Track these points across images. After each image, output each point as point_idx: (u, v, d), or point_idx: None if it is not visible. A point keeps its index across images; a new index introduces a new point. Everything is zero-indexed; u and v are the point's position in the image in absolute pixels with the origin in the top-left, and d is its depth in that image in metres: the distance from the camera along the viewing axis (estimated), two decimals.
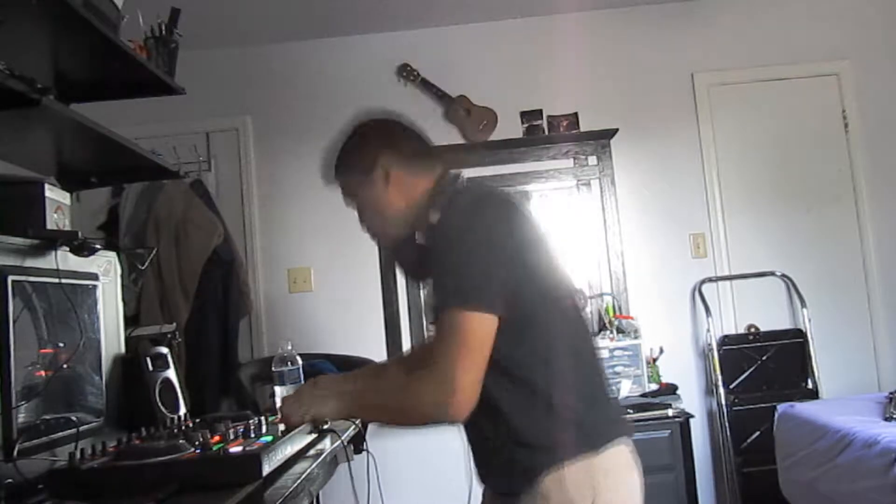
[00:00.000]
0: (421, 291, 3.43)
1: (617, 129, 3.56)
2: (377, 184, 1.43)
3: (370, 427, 2.05)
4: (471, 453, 1.40)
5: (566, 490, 1.25)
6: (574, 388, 1.29)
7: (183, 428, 1.51)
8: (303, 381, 2.00)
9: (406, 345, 3.52)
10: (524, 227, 1.32)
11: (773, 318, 3.54)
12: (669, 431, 2.99)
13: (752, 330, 3.53)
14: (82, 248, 1.71)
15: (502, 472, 1.32)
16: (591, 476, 1.26)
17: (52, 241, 1.65)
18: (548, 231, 1.38)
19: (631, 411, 3.02)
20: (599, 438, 1.29)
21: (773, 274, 3.57)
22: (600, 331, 3.43)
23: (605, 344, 3.25)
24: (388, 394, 1.39)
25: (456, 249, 1.25)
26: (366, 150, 1.46)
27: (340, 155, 1.52)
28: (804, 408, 2.99)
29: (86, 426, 1.67)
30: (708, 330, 3.48)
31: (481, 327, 1.22)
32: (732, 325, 3.55)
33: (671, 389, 3.23)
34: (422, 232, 1.43)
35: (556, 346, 1.30)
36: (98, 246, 1.77)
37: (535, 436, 1.27)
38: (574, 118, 3.62)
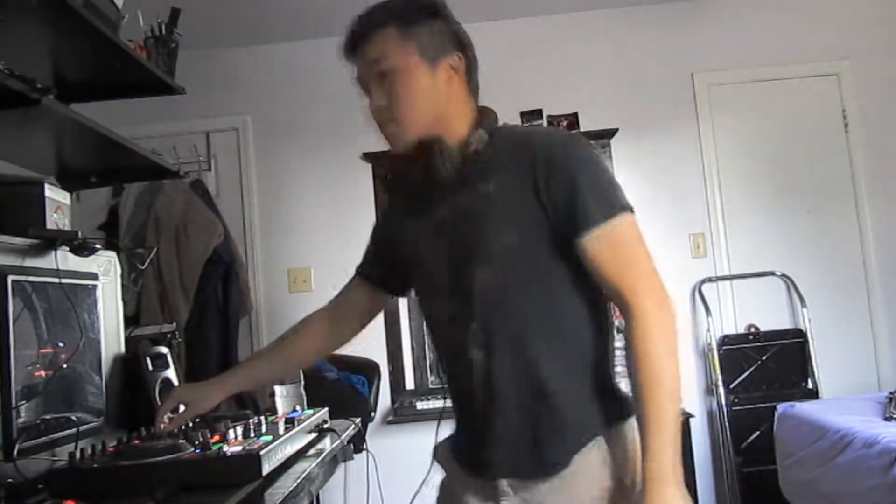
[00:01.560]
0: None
1: (617, 129, 3.56)
2: (438, 73, 1.21)
3: (371, 427, 2.05)
4: (485, 425, 1.17)
5: (626, 451, 1.13)
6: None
7: (183, 428, 1.51)
8: (302, 381, 2.00)
9: (406, 344, 3.51)
10: None
11: (773, 318, 3.54)
12: None
13: (752, 330, 3.53)
14: (82, 248, 1.71)
15: (550, 435, 1.13)
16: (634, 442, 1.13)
17: (52, 241, 1.65)
18: None
19: None
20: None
21: (773, 274, 3.57)
22: None
23: None
24: (666, 377, 1.10)
25: (579, 157, 1.14)
26: (442, 31, 1.23)
27: (399, 8, 1.23)
28: (804, 408, 2.99)
29: (86, 426, 1.67)
30: (708, 330, 3.48)
31: (638, 227, 1.16)
32: (732, 324, 3.55)
33: None
34: (450, 151, 1.19)
35: None
36: (98, 246, 1.77)
37: (603, 382, 1.20)
38: (574, 118, 3.62)
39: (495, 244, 1.15)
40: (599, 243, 1.11)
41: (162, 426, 1.44)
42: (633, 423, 1.13)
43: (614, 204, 1.12)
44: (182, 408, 1.46)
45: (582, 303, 1.19)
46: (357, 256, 1.49)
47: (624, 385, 1.20)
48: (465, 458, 1.25)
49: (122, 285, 2.07)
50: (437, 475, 1.31)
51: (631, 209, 1.13)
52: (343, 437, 1.78)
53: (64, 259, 1.68)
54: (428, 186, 1.21)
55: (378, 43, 1.20)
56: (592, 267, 1.13)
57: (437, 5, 1.25)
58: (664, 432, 1.05)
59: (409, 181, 1.27)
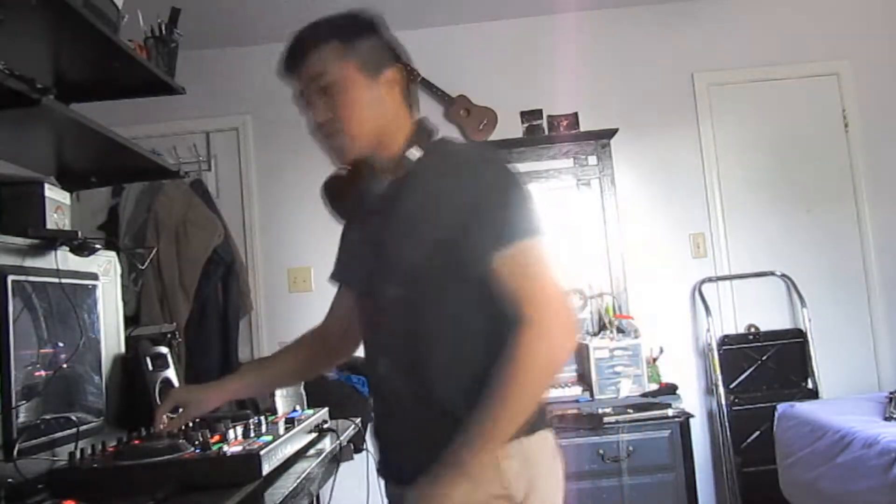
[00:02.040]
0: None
1: (617, 129, 3.55)
2: (377, 87, 1.23)
3: (371, 427, 2.04)
4: (399, 432, 1.23)
5: (503, 473, 1.12)
6: None
7: (183, 428, 1.51)
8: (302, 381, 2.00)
9: None
10: None
11: (773, 318, 3.54)
12: (669, 431, 2.99)
13: (752, 330, 3.53)
14: (82, 248, 1.71)
15: (446, 448, 1.09)
16: (528, 459, 1.15)
17: (52, 240, 1.66)
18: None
19: (631, 411, 3.02)
20: (538, 420, 1.17)
21: (773, 274, 3.57)
22: (600, 330, 3.44)
23: (605, 344, 3.24)
24: (524, 382, 1.09)
25: (493, 182, 1.16)
26: (381, 46, 1.26)
27: (338, 24, 1.25)
28: (804, 408, 2.99)
29: (86, 426, 1.67)
30: (708, 330, 3.48)
31: (550, 254, 1.14)
32: (732, 324, 3.55)
33: (671, 389, 3.23)
34: (382, 164, 1.24)
35: None
36: (98, 246, 1.77)
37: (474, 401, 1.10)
38: (574, 118, 3.62)
39: (406, 262, 1.18)
40: (505, 265, 1.11)
41: (161, 427, 1.44)
42: (536, 439, 1.17)
43: (523, 228, 1.13)
44: (181, 409, 1.46)
45: (487, 324, 1.16)
46: None
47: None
48: (381, 468, 1.30)
49: (122, 285, 2.07)
50: None
51: (541, 233, 1.14)
52: (343, 437, 1.78)
53: (64, 259, 1.68)
54: (360, 200, 1.26)
55: (320, 58, 1.22)
56: (499, 288, 1.12)
57: (374, 21, 1.27)
58: (502, 414, 1.09)
59: (346, 191, 1.31)
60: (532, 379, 1.10)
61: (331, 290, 1.54)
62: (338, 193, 1.33)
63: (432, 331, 1.18)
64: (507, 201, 1.14)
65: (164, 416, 1.45)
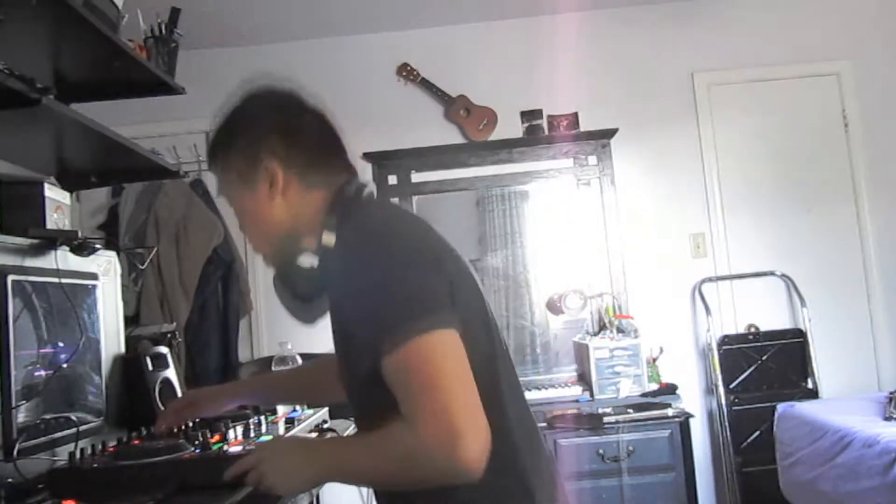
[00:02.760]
0: None
1: (617, 129, 3.56)
2: (260, 195, 1.11)
3: None
4: None
5: None
6: (514, 434, 1.04)
7: (183, 427, 1.51)
8: None
9: None
10: (449, 246, 1.07)
11: (773, 318, 3.54)
12: (669, 431, 2.99)
13: (752, 330, 3.53)
14: (82, 248, 1.71)
15: None
16: None
17: (52, 240, 1.66)
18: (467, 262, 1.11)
19: (631, 411, 3.02)
20: None
21: (773, 274, 3.57)
22: (600, 330, 3.44)
23: (605, 344, 3.25)
24: (373, 458, 0.99)
25: (383, 269, 0.96)
26: (253, 143, 1.12)
27: (214, 141, 1.17)
28: (804, 407, 2.99)
29: (86, 426, 1.67)
30: (708, 330, 3.48)
31: (452, 346, 0.93)
32: (732, 324, 3.55)
33: (671, 389, 3.23)
34: (310, 255, 1.11)
35: (499, 382, 1.04)
36: (98, 246, 1.77)
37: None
38: (574, 118, 3.62)
39: (340, 364, 1.12)
40: (390, 376, 0.94)
41: (163, 426, 1.44)
42: None
43: (407, 326, 0.92)
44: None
45: None
46: None
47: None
48: None
49: (122, 285, 2.07)
50: None
51: (432, 323, 0.93)
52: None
53: (64, 259, 1.68)
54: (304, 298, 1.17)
55: (215, 175, 1.20)
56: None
57: (247, 112, 1.16)
58: (350, 463, 1.02)
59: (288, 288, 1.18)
60: (387, 466, 0.97)
61: None
62: (280, 294, 1.21)
63: (363, 418, 1.13)
64: (383, 296, 0.95)
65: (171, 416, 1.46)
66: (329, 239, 1.06)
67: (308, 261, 1.09)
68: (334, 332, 1.09)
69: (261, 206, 1.12)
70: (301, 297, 1.14)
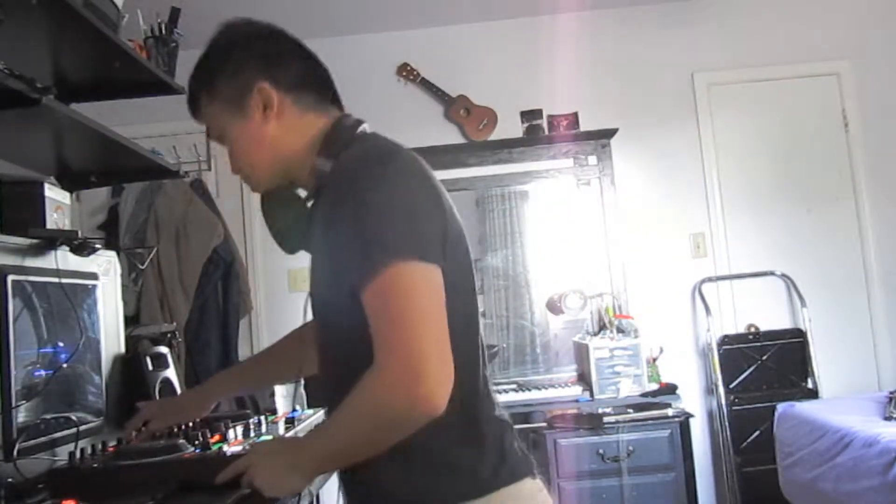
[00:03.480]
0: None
1: (617, 129, 3.56)
2: (253, 120, 1.10)
3: None
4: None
5: None
6: (485, 403, 1.05)
7: (183, 427, 1.51)
8: (302, 381, 2.00)
9: None
10: (443, 192, 1.06)
11: (773, 318, 3.55)
12: (669, 431, 2.99)
13: (752, 330, 3.53)
14: (82, 248, 1.71)
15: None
16: None
17: (51, 240, 1.65)
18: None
19: (631, 411, 3.02)
20: (512, 470, 1.03)
21: (772, 274, 3.57)
22: (600, 330, 3.44)
23: (605, 344, 3.25)
24: (348, 420, 0.98)
25: (381, 191, 0.95)
26: (240, 67, 1.10)
27: (199, 71, 1.15)
28: (804, 407, 2.99)
29: (86, 426, 1.66)
30: (708, 329, 3.48)
31: (430, 279, 0.92)
32: (732, 324, 3.55)
33: (671, 389, 3.23)
34: (304, 185, 1.13)
35: (469, 341, 1.03)
36: (98, 245, 1.77)
37: (431, 454, 0.98)
38: (574, 118, 3.62)
39: (317, 297, 1.10)
40: (369, 302, 0.93)
41: (130, 439, 1.43)
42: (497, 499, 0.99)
43: (391, 250, 0.92)
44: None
45: None
46: None
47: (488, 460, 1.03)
48: None
49: (122, 285, 2.07)
50: None
51: (416, 252, 0.93)
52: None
53: (64, 259, 1.68)
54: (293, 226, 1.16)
55: (199, 113, 1.17)
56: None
57: (228, 39, 1.15)
58: (328, 441, 1.02)
59: (277, 216, 1.18)
60: (358, 424, 0.96)
61: None
62: (277, 227, 1.19)
63: (336, 367, 1.09)
64: (375, 219, 0.94)
65: (132, 431, 1.45)
66: (325, 165, 1.05)
67: (302, 186, 1.09)
68: (315, 259, 1.08)
69: (256, 132, 1.10)
70: (290, 223, 1.13)
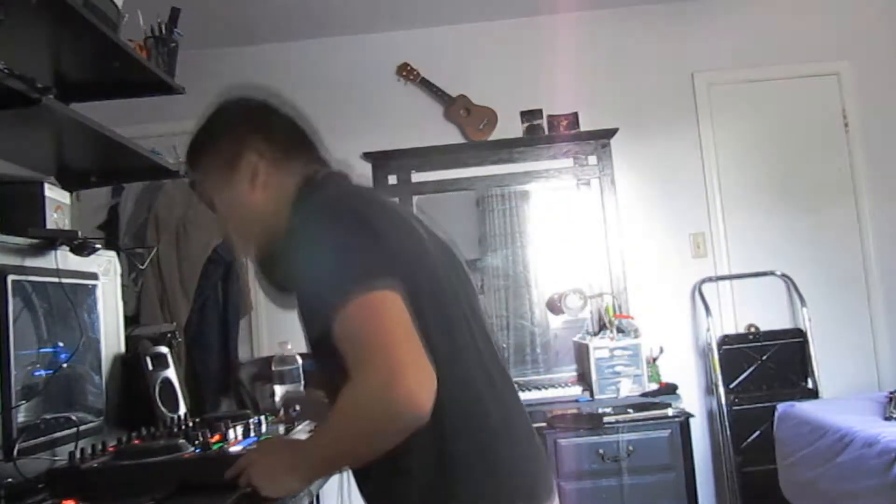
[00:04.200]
0: None
1: (617, 129, 3.56)
2: (240, 189, 1.17)
3: None
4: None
5: None
6: (486, 420, 1.05)
7: (183, 427, 1.51)
8: (302, 381, 2.00)
9: None
10: (408, 223, 1.11)
11: (773, 318, 3.54)
12: (669, 431, 2.99)
13: (752, 330, 3.53)
14: (82, 248, 1.71)
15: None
16: None
17: (51, 240, 1.66)
18: (439, 237, 1.17)
19: (631, 411, 3.02)
20: (521, 494, 1.04)
21: (773, 274, 3.57)
22: (600, 330, 3.44)
23: (605, 343, 3.25)
24: (335, 428, 1.02)
25: (326, 239, 1.01)
26: (234, 138, 1.19)
27: (195, 144, 1.24)
28: (804, 407, 2.99)
29: (86, 426, 1.67)
30: (708, 329, 3.48)
31: (393, 305, 0.95)
32: (732, 324, 3.55)
33: (671, 389, 3.23)
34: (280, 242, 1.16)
35: (470, 367, 1.07)
36: (98, 245, 1.77)
37: (414, 481, 1.02)
38: (574, 118, 3.62)
39: (305, 335, 1.13)
40: (338, 332, 0.96)
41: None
42: None
43: (347, 289, 0.95)
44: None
45: None
46: None
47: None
48: None
49: (122, 285, 2.07)
50: None
51: (371, 286, 0.96)
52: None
53: (64, 259, 1.68)
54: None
55: (194, 174, 1.26)
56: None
57: (233, 106, 1.25)
58: (321, 448, 1.06)
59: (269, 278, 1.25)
60: (343, 431, 1.00)
61: None
62: (262, 284, 1.27)
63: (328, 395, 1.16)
64: (330, 264, 0.99)
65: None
66: (292, 220, 1.11)
67: (280, 246, 1.13)
68: (298, 308, 1.11)
69: (242, 200, 1.18)
70: (277, 283, 1.20)
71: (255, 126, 1.20)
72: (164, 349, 2.04)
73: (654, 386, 3.24)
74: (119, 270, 2.02)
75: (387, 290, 0.96)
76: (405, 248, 1.06)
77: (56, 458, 1.51)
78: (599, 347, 3.23)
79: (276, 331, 3.50)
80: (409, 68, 3.63)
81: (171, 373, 2.00)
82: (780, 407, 3.08)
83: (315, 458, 1.08)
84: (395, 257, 1.02)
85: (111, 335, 1.90)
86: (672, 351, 3.46)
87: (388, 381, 0.90)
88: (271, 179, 1.18)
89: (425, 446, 1.00)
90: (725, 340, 3.48)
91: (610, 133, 3.57)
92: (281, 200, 1.15)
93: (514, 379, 1.23)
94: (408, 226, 1.11)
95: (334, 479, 1.88)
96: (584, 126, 3.60)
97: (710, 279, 3.56)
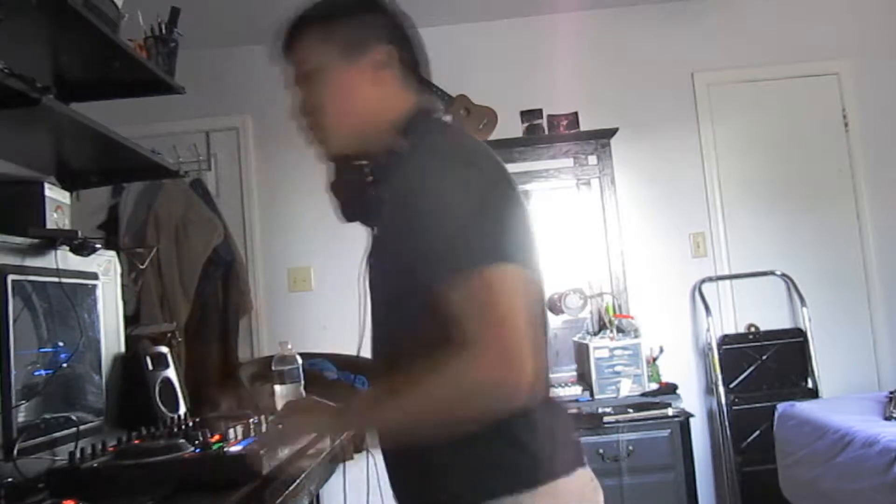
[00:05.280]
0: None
1: (617, 129, 3.55)
2: (361, 72, 1.10)
3: None
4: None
5: None
6: (543, 395, 1.04)
7: (183, 427, 1.51)
8: (302, 381, 2.00)
9: None
10: (519, 192, 1.08)
11: (772, 318, 3.54)
12: (669, 431, 2.99)
13: (752, 329, 3.53)
14: (82, 248, 1.71)
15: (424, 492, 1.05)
16: None
17: (52, 240, 1.66)
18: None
19: (631, 411, 3.02)
20: (563, 463, 1.03)
21: (772, 273, 3.57)
22: (600, 330, 3.44)
23: (605, 343, 3.25)
24: (419, 396, 0.95)
25: (466, 194, 0.96)
26: (366, 23, 1.13)
27: (315, 11, 1.14)
28: (804, 407, 2.99)
29: (86, 425, 1.67)
30: (708, 329, 3.48)
31: (520, 283, 0.94)
32: (732, 324, 3.55)
33: (671, 389, 3.23)
34: (373, 157, 1.11)
35: (546, 334, 1.07)
36: (98, 245, 1.77)
37: (488, 447, 0.98)
38: (574, 117, 3.62)
39: (377, 271, 1.10)
40: (456, 292, 0.92)
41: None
42: (519, 500, 0.98)
43: (480, 254, 0.93)
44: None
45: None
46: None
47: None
48: None
49: (122, 285, 2.07)
50: None
51: (505, 256, 0.94)
52: (343, 436, 1.78)
53: (64, 259, 1.68)
54: (356, 201, 1.16)
55: (300, 44, 1.14)
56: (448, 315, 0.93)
57: (370, 9, 1.16)
58: (388, 412, 1.01)
59: (343, 192, 1.18)
60: (438, 399, 0.94)
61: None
62: (338, 195, 1.19)
63: (397, 353, 1.07)
64: (461, 219, 0.95)
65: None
66: (404, 146, 1.05)
67: (366, 159, 1.10)
68: (382, 236, 1.08)
69: (355, 85, 1.11)
70: (354, 193, 1.13)
71: (395, 24, 1.14)
72: (164, 349, 2.04)
73: (654, 386, 3.24)
74: (119, 270, 2.02)
75: (516, 265, 0.94)
76: (527, 231, 1.04)
77: (56, 458, 1.51)
78: (599, 347, 3.23)
79: (276, 330, 3.50)
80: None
81: (171, 373, 2.00)
82: (780, 407, 3.08)
83: (375, 422, 1.03)
84: (523, 236, 1.01)
85: (111, 335, 1.90)
86: (672, 351, 3.46)
87: (507, 368, 0.89)
88: (391, 82, 1.11)
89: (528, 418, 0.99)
90: (725, 340, 3.48)
91: (610, 133, 3.56)
92: (391, 109, 1.11)
93: None
94: (524, 204, 1.08)
95: (334, 479, 1.88)
96: (584, 126, 3.60)
97: (710, 279, 3.56)
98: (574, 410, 3.07)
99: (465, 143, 1.09)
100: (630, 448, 2.94)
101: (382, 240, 1.08)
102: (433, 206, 0.96)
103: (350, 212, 1.16)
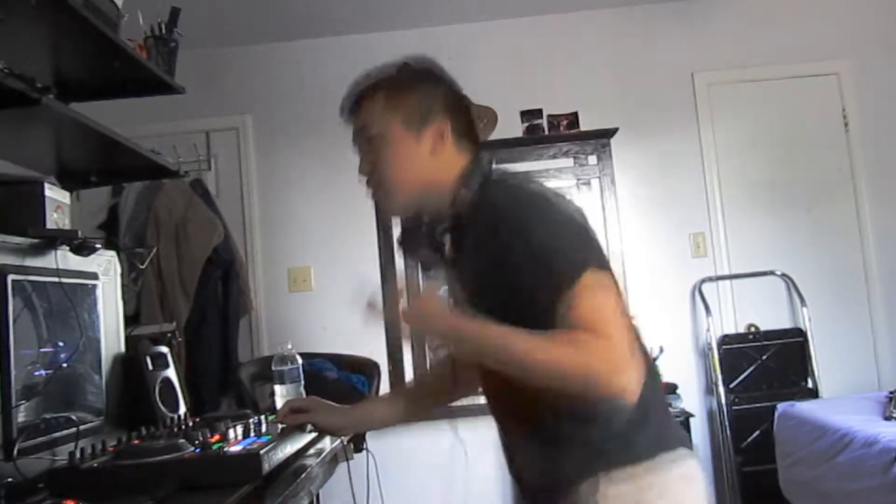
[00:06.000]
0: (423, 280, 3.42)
1: (617, 129, 3.55)
2: (421, 142, 1.21)
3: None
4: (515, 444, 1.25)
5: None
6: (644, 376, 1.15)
7: (183, 427, 1.51)
8: (302, 381, 2.01)
9: (406, 345, 3.51)
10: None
11: (772, 318, 3.54)
12: None
13: (752, 329, 3.53)
14: (82, 248, 1.71)
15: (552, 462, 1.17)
16: (644, 489, 1.11)
17: (52, 240, 1.66)
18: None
19: None
20: (667, 441, 1.17)
21: (772, 273, 3.57)
22: None
23: None
24: (544, 346, 1.04)
25: (542, 221, 1.09)
26: (430, 97, 1.24)
27: (391, 82, 1.27)
28: (804, 407, 2.99)
29: (86, 425, 1.67)
30: (708, 329, 3.48)
31: (614, 285, 1.10)
32: (732, 324, 3.55)
33: (671, 389, 3.23)
34: (437, 212, 1.22)
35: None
36: (98, 245, 1.77)
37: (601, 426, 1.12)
38: (574, 117, 3.62)
39: (488, 307, 1.14)
40: (565, 308, 1.04)
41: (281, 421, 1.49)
42: (633, 471, 1.11)
43: (576, 266, 1.06)
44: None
45: None
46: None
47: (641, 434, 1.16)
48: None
49: (122, 285, 2.07)
50: None
51: (597, 264, 1.08)
52: (341, 438, 1.78)
53: (64, 258, 1.68)
54: (431, 249, 1.26)
55: (365, 110, 1.25)
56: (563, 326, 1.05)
57: (430, 70, 1.29)
58: (503, 339, 1.07)
59: (417, 242, 1.30)
60: (554, 360, 1.03)
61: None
62: (411, 244, 1.33)
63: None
64: (552, 241, 1.08)
65: (286, 412, 1.50)
66: (466, 195, 1.17)
67: (440, 210, 1.21)
68: (478, 275, 1.17)
69: (417, 157, 1.21)
70: (424, 241, 1.25)
71: (451, 97, 1.26)
72: (164, 349, 2.04)
73: None
74: (119, 270, 2.02)
75: (607, 271, 1.10)
76: (597, 238, 1.16)
77: (56, 458, 1.51)
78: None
79: (276, 331, 3.50)
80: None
81: (171, 373, 2.00)
82: (780, 407, 3.08)
83: (489, 340, 1.09)
84: (600, 245, 1.14)
85: (111, 335, 1.90)
86: (672, 351, 3.46)
87: (620, 364, 1.02)
88: (450, 148, 1.22)
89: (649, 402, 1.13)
90: (725, 340, 3.48)
91: (610, 133, 3.56)
92: (448, 171, 1.21)
93: None
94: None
95: (334, 479, 1.88)
96: (584, 126, 3.60)
97: (710, 279, 3.56)
98: None
99: (522, 177, 1.22)
100: None
101: (485, 271, 1.15)
102: (541, 232, 1.08)
103: (429, 260, 1.29)
